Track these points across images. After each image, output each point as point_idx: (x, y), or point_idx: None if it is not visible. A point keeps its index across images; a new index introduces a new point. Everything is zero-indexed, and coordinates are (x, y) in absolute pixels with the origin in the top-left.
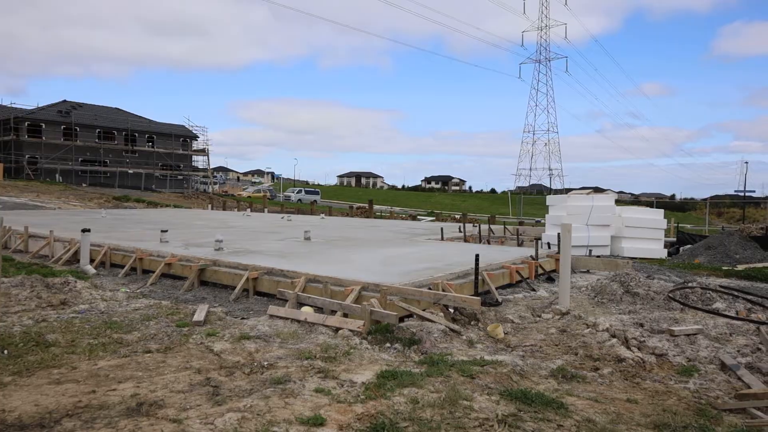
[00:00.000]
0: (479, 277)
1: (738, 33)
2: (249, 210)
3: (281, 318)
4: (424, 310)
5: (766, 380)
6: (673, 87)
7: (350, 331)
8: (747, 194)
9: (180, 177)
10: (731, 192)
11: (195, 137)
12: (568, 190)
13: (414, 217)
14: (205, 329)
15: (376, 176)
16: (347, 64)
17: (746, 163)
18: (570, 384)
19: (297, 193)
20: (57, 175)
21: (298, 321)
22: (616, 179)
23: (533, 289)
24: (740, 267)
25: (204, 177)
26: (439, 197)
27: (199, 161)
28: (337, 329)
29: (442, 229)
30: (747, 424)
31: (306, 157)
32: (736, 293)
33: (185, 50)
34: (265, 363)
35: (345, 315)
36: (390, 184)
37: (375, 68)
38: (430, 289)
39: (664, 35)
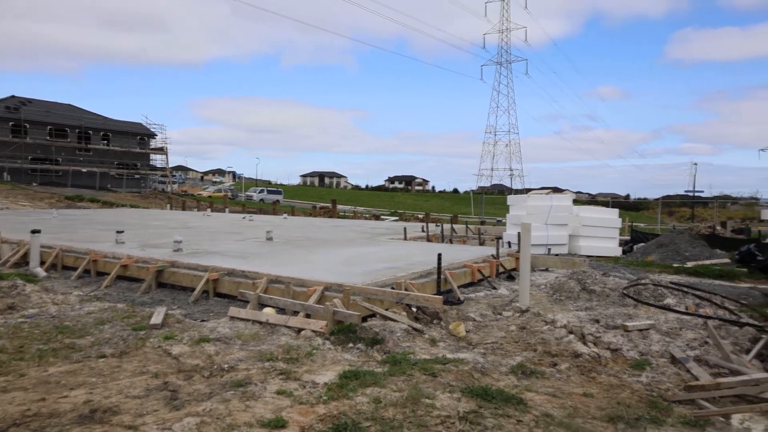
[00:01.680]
0: (441, 276)
1: (689, 39)
2: (209, 210)
3: (242, 320)
4: (386, 309)
5: (713, 372)
6: (628, 90)
7: (313, 331)
8: (696, 194)
9: (137, 176)
10: (681, 192)
11: (153, 135)
12: (528, 190)
13: (377, 217)
14: (162, 332)
15: (339, 176)
16: (310, 63)
17: (695, 164)
18: (529, 380)
19: (259, 192)
20: (5, 174)
21: (260, 322)
22: (574, 179)
23: (494, 288)
24: (689, 264)
25: (162, 176)
26: (403, 197)
27: (157, 160)
28: (299, 330)
29: (405, 228)
30: (695, 414)
31: (268, 157)
32: (685, 289)
33: (142, 45)
34: (226, 366)
35: (307, 315)
36: (353, 183)
37: (338, 67)
38: (393, 288)
39: (621, 40)
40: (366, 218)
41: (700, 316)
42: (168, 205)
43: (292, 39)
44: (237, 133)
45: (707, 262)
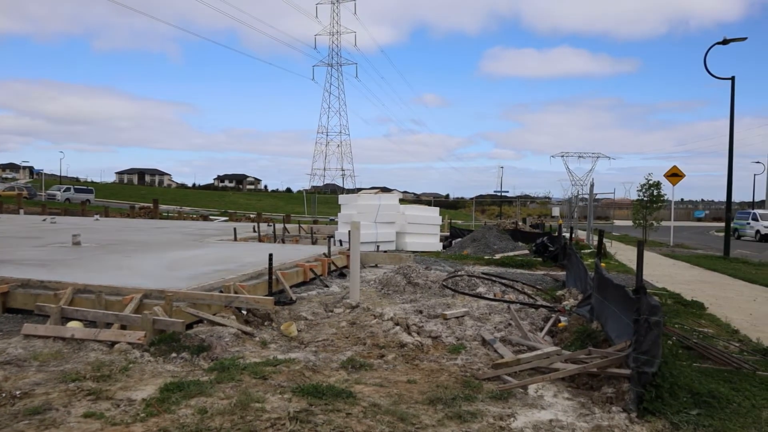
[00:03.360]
0: (273, 277)
1: (498, 57)
2: None
3: (40, 337)
4: (215, 314)
5: (515, 350)
6: (448, 99)
7: (129, 344)
8: (503, 194)
9: None
10: (491, 192)
11: None
12: (359, 190)
13: (206, 218)
14: None
15: (162, 173)
16: (128, 48)
17: (502, 167)
18: (359, 373)
19: (64, 191)
20: None
21: (63, 339)
22: (401, 180)
23: (326, 286)
24: (497, 256)
25: None
26: (234, 196)
27: None
28: (112, 344)
29: (235, 229)
30: (500, 388)
31: (76, 151)
32: (494, 278)
33: None
34: (18, 392)
35: (123, 327)
36: (179, 182)
37: (161, 56)
38: (221, 292)
39: (442, 52)
40: (193, 219)
41: (504, 301)
42: None
43: (105, 20)
44: (35, 123)
45: (511, 253)
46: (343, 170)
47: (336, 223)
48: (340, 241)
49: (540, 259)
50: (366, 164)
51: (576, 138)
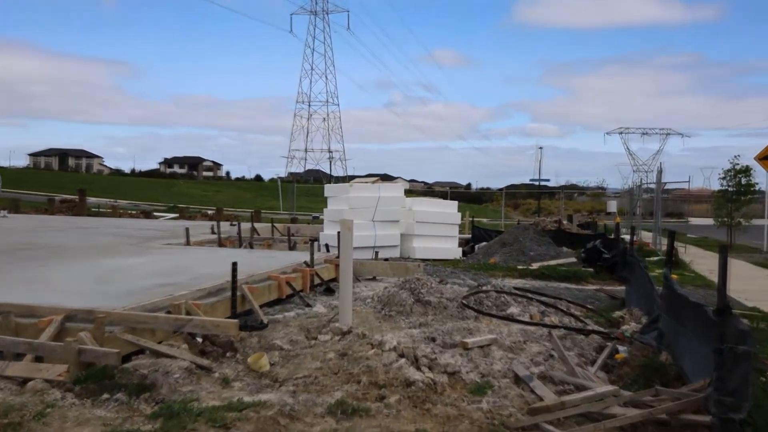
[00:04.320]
0: (238, 294)
1: (537, 1)
2: None
3: None
4: (160, 342)
5: (557, 390)
6: (469, 56)
7: (46, 381)
8: (542, 183)
9: None
10: (527, 180)
11: None
12: (351, 178)
13: (148, 214)
14: None
15: (91, 156)
16: None
17: (541, 148)
18: (351, 420)
19: None
20: None
21: None
22: (407, 164)
23: (308, 305)
24: (535, 265)
25: None
26: (186, 186)
27: None
28: (24, 381)
29: (187, 229)
30: None
31: None
32: (530, 296)
33: None
34: None
35: (39, 359)
36: (113, 167)
37: (90, 0)
38: (169, 313)
39: None
40: (132, 216)
41: (544, 325)
42: None
43: None
44: None
45: (553, 262)
46: (330, 152)
47: (321, 221)
48: (327, 246)
49: (591, 269)
50: (361, 144)
51: (640, 109)
